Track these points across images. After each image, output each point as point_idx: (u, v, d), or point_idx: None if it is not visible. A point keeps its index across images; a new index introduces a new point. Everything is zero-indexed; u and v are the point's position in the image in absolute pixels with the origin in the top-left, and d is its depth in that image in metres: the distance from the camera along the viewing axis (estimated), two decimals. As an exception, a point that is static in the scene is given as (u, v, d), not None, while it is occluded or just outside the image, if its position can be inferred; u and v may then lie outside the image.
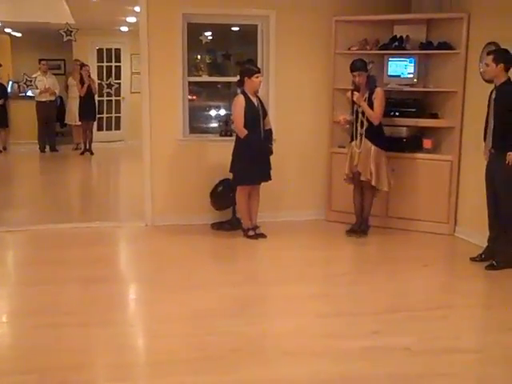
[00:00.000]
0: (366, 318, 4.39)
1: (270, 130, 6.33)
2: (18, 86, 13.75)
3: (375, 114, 6.19)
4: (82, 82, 12.44)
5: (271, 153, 6.27)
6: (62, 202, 8.54)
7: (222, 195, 6.58)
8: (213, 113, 8.38)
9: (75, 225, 6.87)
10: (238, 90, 6.35)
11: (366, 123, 6.23)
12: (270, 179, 6.29)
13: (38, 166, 12.11)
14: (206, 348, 3.90)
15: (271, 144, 6.29)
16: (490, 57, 5.35)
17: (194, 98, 7.53)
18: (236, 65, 6.43)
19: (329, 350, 3.87)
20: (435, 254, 6.13)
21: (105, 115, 14.08)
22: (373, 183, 6.26)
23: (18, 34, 14.23)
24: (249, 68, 6.18)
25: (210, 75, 7.64)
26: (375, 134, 6.27)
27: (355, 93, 6.20)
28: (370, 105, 6.20)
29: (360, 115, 6.25)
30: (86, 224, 6.89)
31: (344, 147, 6.66)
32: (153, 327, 4.33)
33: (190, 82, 7.01)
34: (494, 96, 5.41)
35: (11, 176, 10.83)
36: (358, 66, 6.22)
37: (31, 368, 3.62)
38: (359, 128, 6.28)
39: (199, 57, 7.97)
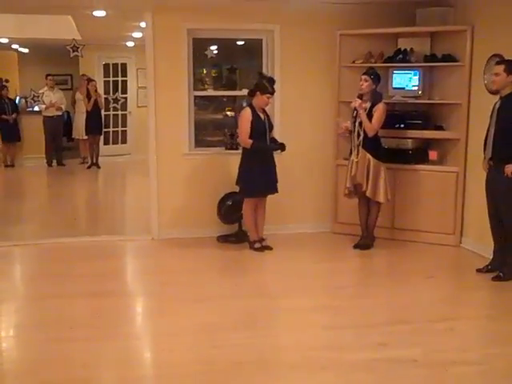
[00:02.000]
0: (372, 330, 4.39)
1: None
2: (26, 102, 13.89)
3: (371, 126, 6.18)
4: (88, 96, 12.53)
5: (284, 148, 6.28)
6: (70, 216, 8.58)
7: (232, 209, 6.60)
8: (218, 126, 8.42)
9: (82, 239, 6.90)
10: (244, 103, 6.38)
11: (362, 134, 6.24)
12: (277, 191, 6.32)
13: (45, 180, 12.17)
14: (213, 361, 3.91)
15: (281, 142, 6.31)
16: (501, 66, 5.32)
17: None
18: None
19: (335, 363, 3.87)
20: (441, 265, 6.11)
21: (111, 129, 14.14)
22: (367, 194, 6.27)
23: (25, 50, 14.35)
24: (264, 85, 6.16)
25: (216, 89, 7.69)
26: (372, 145, 6.27)
27: (357, 99, 6.23)
28: (370, 117, 6.21)
29: (357, 126, 6.27)
30: (93, 238, 6.92)
31: (348, 159, 6.68)
32: (160, 340, 4.34)
33: (195, 96, 7.06)
34: (497, 106, 5.41)
35: (19, 190, 10.88)
36: (369, 71, 6.26)
37: (39, 382, 3.64)
38: (356, 139, 6.30)
39: (205, 71, 8.03)
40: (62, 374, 3.73)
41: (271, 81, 6.25)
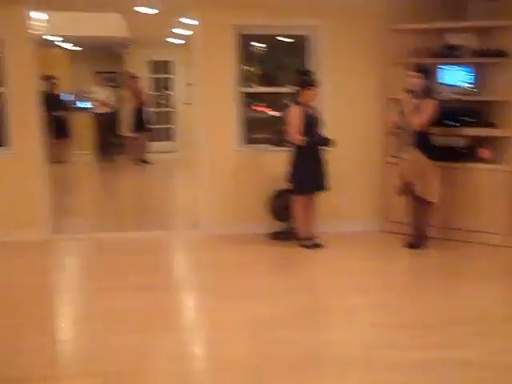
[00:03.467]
0: (426, 331, 4.35)
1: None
2: (76, 99, 14.16)
3: (418, 120, 6.08)
4: (134, 94, 12.69)
5: (334, 144, 6.25)
6: (119, 210, 8.75)
7: (284, 207, 6.59)
8: (265, 123, 8.43)
9: (132, 233, 7.01)
10: (290, 101, 6.39)
11: (412, 132, 6.16)
12: (327, 189, 6.31)
13: (96, 176, 12.38)
14: (266, 357, 3.93)
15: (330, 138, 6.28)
16: None
17: (263, 107, 7.57)
18: (295, 73, 6.45)
19: (391, 362, 3.85)
20: (495, 266, 6.01)
21: (158, 126, 14.31)
22: (418, 193, 6.19)
23: (76, 48, 14.60)
24: (303, 80, 6.21)
25: (262, 85, 7.70)
26: (423, 144, 6.18)
27: (406, 93, 6.16)
28: (418, 113, 6.13)
29: (409, 124, 6.20)
30: (143, 233, 7.02)
31: (397, 157, 6.61)
32: (212, 335, 4.39)
33: (244, 93, 7.07)
34: None
35: (71, 186, 11.10)
36: (419, 67, 6.19)
37: (95, 372, 3.73)
38: (408, 137, 6.23)
39: (251, 67, 8.04)
40: (116, 366, 3.81)
41: (309, 73, 6.29)
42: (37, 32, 7.79)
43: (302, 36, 7.11)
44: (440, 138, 6.57)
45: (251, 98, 8.12)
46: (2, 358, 3.94)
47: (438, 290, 5.30)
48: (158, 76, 14.31)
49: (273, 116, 8.43)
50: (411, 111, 6.12)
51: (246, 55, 7.28)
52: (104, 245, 6.62)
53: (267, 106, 8.60)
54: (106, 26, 11.03)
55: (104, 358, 3.91)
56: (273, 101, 8.55)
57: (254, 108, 8.33)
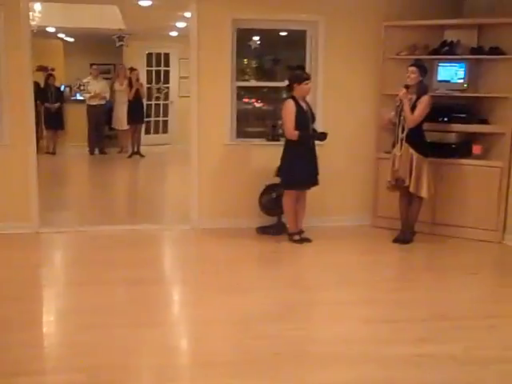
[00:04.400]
0: (412, 325, 4.35)
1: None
2: (70, 90, 14.12)
3: (413, 117, 6.10)
4: (130, 86, 12.66)
5: (325, 137, 6.26)
6: (110, 204, 8.73)
7: (276, 201, 6.57)
8: (260, 117, 8.42)
9: (123, 227, 6.97)
10: (286, 95, 6.38)
11: (406, 128, 6.17)
12: (318, 184, 6.30)
13: (87, 168, 12.36)
14: (251, 351, 3.91)
15: (322, 132, 6.29)
16: None
17: (246, 100, 7.55)
18: (286, 69, 6.45)
19: (375, 356, 3.85)
20: (483, 261, 6.03)
21: (153, 119, 14.29)
22: (411, 189, 6.20)
23: (71, 39, 14.56)
24: (299, 74, 6.20)
25: (258, 80, 7.68)
26: (415, 140, 6.19)
27: (403, 89, 6.16)
28: (414, 109, 6.13)
29: (402, 119, 6.20)
30: (133, 226, 7.00)
31: (389, 153, 6.61)
32: (197, 329, 4.37)
33: (237, 87, 7.07)
34: None
35: (61, 178, 11.06)
36: (417, 63, 6.22)
37: (80, 367, 3.69)
38: (400, 133, 6.23)
39: (247, 61, 8.03)
40: (100, 360, 3.77)
41: (301, 67, 6.34)
42: (32, 22, 7.76)
43: (299, 31, 7.09)
44: (433, 133, 6.56)
45: (246, 92, 8.12)
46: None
47: (425, 284, 5.32)
48: (155, 69, 14.27)
49: (267, 110, 8.43)
50: (407, 107, 6.11)
51: (242, 49, 7.25)
52: (93, 238, 6.58)
53: (261, 100, 8.60)
54: (101, 17, 10.99)
55: (90, 352, 3.88)
56: (267, 95, 8.55)
57: (247, 101, 8.33)
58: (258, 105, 8.55)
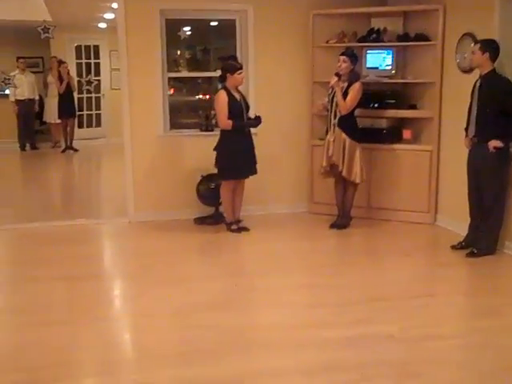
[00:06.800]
0: (349, 308, 4.45)
1: None
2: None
3: (345, 104, 6.20)
4: (60, 79, 12.38)
5: (260, 121, 6.27)
6: (45, 200, 8.53)
7: (214, 192, 6.54)
8: (193, 108, 8.39)
9: (58, 223, 6.85)
10: (219, 85, 6.37)
11: (338, 114, 6.27)
12: (256, 173, 6.32)
13: (19, 164, 12.04)
14: (192, 341, 3.93)
15: (257, 116, 6.30)
16: (477, 45, 5.38)
17: (172, 91, 7.50)
18: (218, 60, 6.42)
19: (314, 340, 3.92)
20: (416, 243, 6.20)
21: (85, 112, 14.01)
22: (343, 174, 6.31)
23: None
24: (231, 64, 6.19)
25: (190, 70, 7.64)
26: (347, 125, 6.30)
27: (335, 77, 6.24)
28: (346, 96, 6.23)
29: (334, 105, 6.29)
30: (69, 222, 6.88)
31: (323, 139, 6.71)
32: (139, 322, 4.36)
33: (170, 78, 7.02)
34: (478, 85, 5.45)
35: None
36: (347, 52, 6.30)
37: (19, 367, 3.63)
38: (332, 118, 6.33)
39: (178, 52, 7.97)
40: (39, 359, 3.72)
41: (233, 57, 6.34)
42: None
43: (229, 20, 7.08)
44: (364, 119, 6.69)
45: (180, 83, 8.07)
46: None
47: (362, 268, 5.44)
48: (85, 61, 13.98)
49: (200, 100, 8.40)
50: (339, 95, 6.21)
51: (174, 40, 7.19)
52: (27, 236, 6.45)
53: (195, 91, 8.56)
54: (25, 8, 10.67)
55: (29, 351, 3.81)
56: (201, 85, 8.52)
57: (180, 92, 8.28)
58: (191, 96, 8.51)
